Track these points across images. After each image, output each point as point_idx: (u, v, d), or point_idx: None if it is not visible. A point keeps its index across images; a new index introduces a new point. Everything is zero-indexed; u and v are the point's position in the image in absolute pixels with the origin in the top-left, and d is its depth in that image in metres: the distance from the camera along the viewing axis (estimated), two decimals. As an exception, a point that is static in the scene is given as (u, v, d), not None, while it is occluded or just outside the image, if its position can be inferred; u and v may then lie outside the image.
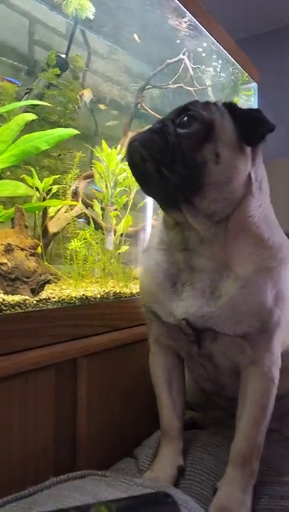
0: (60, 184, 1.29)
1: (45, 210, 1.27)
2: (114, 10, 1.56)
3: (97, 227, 1.44)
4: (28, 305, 0.89)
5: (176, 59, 1.73)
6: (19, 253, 0.94)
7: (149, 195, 0.81)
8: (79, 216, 1.37)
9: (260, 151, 0.79)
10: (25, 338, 0.84)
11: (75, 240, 1.21)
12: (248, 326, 0.75)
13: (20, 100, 1.33)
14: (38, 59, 1.53)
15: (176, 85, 1.74)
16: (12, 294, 0.91)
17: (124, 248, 1.41)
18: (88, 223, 1.43)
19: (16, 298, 0.89)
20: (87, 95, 1.49)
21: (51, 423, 0.86)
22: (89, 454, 0.93)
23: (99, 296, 1.09)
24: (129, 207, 1.43)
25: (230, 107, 0.76)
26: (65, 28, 1.63)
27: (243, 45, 2.02)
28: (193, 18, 1.58)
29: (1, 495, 0.67)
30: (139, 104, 1.67)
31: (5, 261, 0.91)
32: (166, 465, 0.84)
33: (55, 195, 1.27)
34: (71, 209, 1.35)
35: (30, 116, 1.13)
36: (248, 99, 2.16)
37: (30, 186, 1.18)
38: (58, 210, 1.33)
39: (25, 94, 1.38)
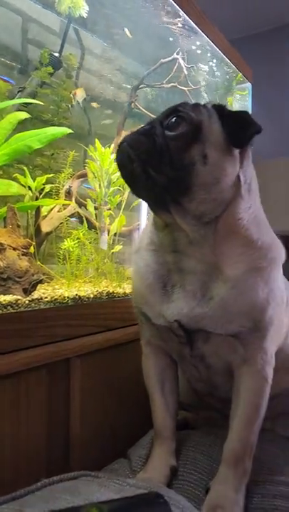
0: (53, 183, 1.29)
1: (37, 210, 1.26)
2: (107, 8, 1.56)
3: (91, 226, 1.44)
4: (20, 305, 0.88)
5: (170, 58, 1.73)
6: (11, 253, 0.94)
7: (138, 196, 0.81)
8: (71, 215, 1.36)
9: (248, 153, 0.79)
10: (18, 338, 0.83)
11: (68, 239, 1.21)
12: (239, 325, 0.76)
13: (13, 99, 1.32)
14: (31, 57, 1.52)
15: (170, 85, 1.74)
16: (4, 294, 0.90)
17: (118, 248, 1.41)
18: (81, 222, 1.43)
19: (8, 298, 0.88)
20: (80, 94, 1.49)
21: (44, 423, 0.86)
22: (82, 455, 0.93)
23: (92, 296, 1.08)
24: (123, 206, 1.43)
25: (220, 109, 0.76)
26: (58, 26, 1.62)
27: (239, 45, 2.02)
28: (188, 18, 1.58)
29: (-8, 496, 0.66)
30: (132, 104, 1.67)
31: (-3, 260, 0.90)
32: (159, 466, 0.84)
33: (48, 195, 1.26)
34: (64, 208, 1.35)
35: (23, 115, 1.13)
36: (242, 99, 2.16)
37: (23, 185, 1.18)
38: (51, 210, 1.32)
39: (18, 92, 1.37)
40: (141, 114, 1.69)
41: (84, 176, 1.46)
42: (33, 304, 0.92)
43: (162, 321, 0.80)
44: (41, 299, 0.95)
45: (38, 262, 1.14)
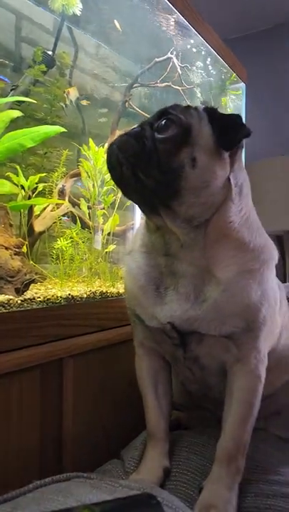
0: (46, 182, 1.28)
1: (30, 209, 1.25)
2: (101, 7, 1.55)
3: (84, 226, 1.43)
4: (12, 305, 0.88)
5: (164, 57, 1.73)
6: (3, 252, 0.93)
7: (128, 199, 0.81)
8: (64, 214, 1.36)
9: (239, 155, 0.78)
10: (9, 338, 0.83)
11: (62, 238, 1.20)
12: (233, 326, 0.76)
13: (5, 97, 1.31)
14: (25, 55, 1.51)
15: (164, 84, 1.74)
16: (-4, 294, 0.89)
17: (112, 247, 1.40)
18: (74, 222, 1.42)
19: (0, 298, 0.87)
20: (73, 93, 1.48)
21: (36, 424, 0.85)
22: (75, 456, 0.93)
23: (85, 295, 1.08)
24: (116, 206, 1.42)
25: (211, 112, 0.76)
26: (52, 24, 1.61)
27: (233, 45, 2.02)
28: (182, 17, 1.58)
29: (-17, 498, 0.65)
30: (126, 103, 1.67)
31: (-11, 260, 0.90)
32: (152, 467, 0.83)
33: (41, 194, 1.25)
34: (57, 208, 1.34)
35: (16, 113, 1.12)
36: (236, 99, 2.17)
37: (16, 184, 1.17)
38: (44, 209, 1.31)
39: (11, 90, 1.36)
40: (135, 113, 1.69)
41: (77, 175, 1.45)
42: (25, 304, 0.91)
43: (155, 322, 0.80)
44: (34, 298, 0.94)
45: (31, 262, 1.13)
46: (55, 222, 1.30)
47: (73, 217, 1.43)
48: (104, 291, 1.16)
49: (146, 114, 1.62)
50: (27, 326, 0.87)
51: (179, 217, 0.73)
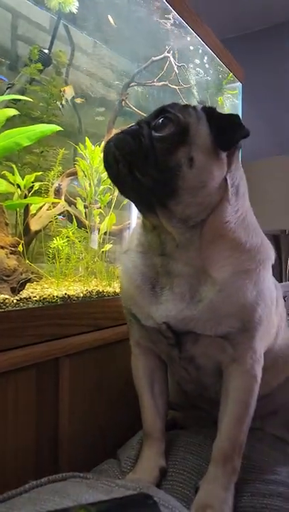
0: (42, 181, 1.27)
1: (26, 208, 1.24)
2: (98, 5, 1.55)
3: (81, 225, 1.42)
4: (8, 304, 0.87)
5: (160, 56, 1.72)
6: (-1, 251, 0.92)
7: (125, 197, 0.80)
8: (60, 214, 1.35)
9: (237, 156, 0.78)
10: (5, 337, 0.82)
11: (58, 238, 1.20)
12: (229, 326, 0.76)
13: (1, 95, 1.30)
14: (21, 54, 1.51)
15: (160, 83, 1.74)
16: (-8, 293, 0.89)
17: (108, 246, 1.40)
18: (71, 221, 1.42)
19: (-4, 297, 0.87)
20: (69, 92, 1.47)
21: (32, 424, 0.85)
22: (71, 456, 0.92)
23: (82, 295, 1.08)
24: (113, 205, 1.42)
25: (209, 111, 0.75)
26: (48, 23, 1.60)
27: (230, 44, 2.02)
28: (179, 17, 1.58)
29: (-22, 499, 0.65)
30: (123, 102, 1.66)
31: (-16, 259, 0.89)
32: (148, 467, 0.83)
33: (37, 193, 1.25)
34: (54, 207, 1.34)
35: (12, 112, 1.11)
36: (232, 98, 2.17)
37: (12, 183, 1.16)
38: (40, 208, 1.31)
39: (7, 89, 1.35)
40: (132, 112, 1.68)
41: (74, 174, 1.45)
42: (21, 303, 0.91)
43: (151, 322, 0.80)
44: (30, 298, 0.94)
45: (27, 261, 1.13)
46: (51, 222, 1.30)
47: (69, 217, 1.43)
48: (100, 290, 1.16)
49: (142, 113, 1.62)
50: (23, 325, 0.86)
51: (175, 216, 0.73)
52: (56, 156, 1.32)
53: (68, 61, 1.58)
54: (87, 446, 0.97)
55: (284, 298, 1.19)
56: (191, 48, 1.83)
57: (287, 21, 3.07)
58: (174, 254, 0.77)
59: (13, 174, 1.17)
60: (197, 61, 1.92)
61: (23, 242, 1.09)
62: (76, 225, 1.36)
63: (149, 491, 0.67)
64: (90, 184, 1.38)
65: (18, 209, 1.22)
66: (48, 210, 1.32)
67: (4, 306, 0.86)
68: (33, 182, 1.20)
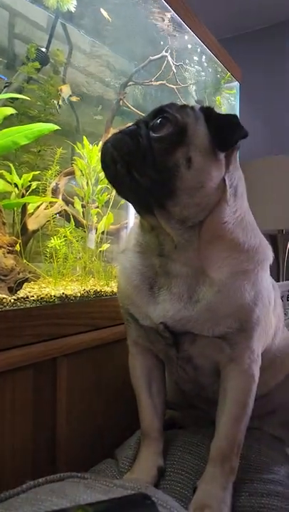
0: (39, 180, 1.27)
1: (24, 207, 1.24)
2: (96, 4, 1.54)
3: (78, 224, 1.42)
4: (5, 304, 0.87)
5: (158, 56, 1.72)
6: (-4, 250, 0.92)
7: (123, 198, 0.80)
8: (57, 213, 1.35)
9: (235, 156, 0.78)
10: (3, 337, 0.82)
11: (55, 237, 1.19)
12: (226, 327, 0.76)
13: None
14: (18, 52, 1.50)
15: (158, 82, 1.73)
16: (-11, 293, 0.88)
17: (106, 246, 1.40)
18: (68, 220, 1.41)
19: (-7, 296, 0.86)
20: (66, 91, 1.47)
21: (30, 424, 0.84)
22: (69, 456, 0.92)
23: (79, 294, 1.07)
24: (111, 204, 1.41)
25: (207, 112, 0.75)
26: (46, 21, 1.60)
27: (228, 44, 2.02)
28: (177, 16, 1.58)
29: (-25, 499, 0.65)
30: (121, 101, 1.66)
31: (-19, 258, 0.89)
32: (146, 466, 0.83)
33: (35, 192, 1.24)
34: (51, 206, 1.33)
35: (9, 111, 1.10)
36: (230, 97, 2.17)
37: (9, 182, 1.16)
38: (38, 207, 1.30)
39: (4, 87, 1.35)
40: (129, 111, 1.68)
41: (71, 173, 1.44)
42: (18, 303, 0.90)
43: (149, 322, 0.80)
44: (27, 297, 0.93)
45: (24, 261, 1.12)
46: (48, 221, 1.29)
47: (67, 216, 1.42)
48: (98, 290, 1.15)
49: (140, 113, 1.62)
50: (20, 325, 0.86)
51: (174, 217, 0.73)
52: (54, 155, 1.32)
53: (66, 60, 1.57)
54: (85, 446, 0.97)
55: (281, 298, 1.19)
56: (189, 46, 1.82)
57: (284, 21, 3.07)
58: (172, 255, 0.77)
59: (11, 173, 1.16)
60: (195, 60, 1.92)
61: (20, 241, 1.09)
62: (74, 224, 1.35)
63: (147, 491, 0.67)
64: (87, 183, 1.38)
65: (15, 208, 1.21)
66: (45, 209, 1.32)
67: (1, 306, 0.86)
68: (30, 181, 1.20)
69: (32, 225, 1.27)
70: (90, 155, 1.36)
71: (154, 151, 0.70)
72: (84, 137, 1.37)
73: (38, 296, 0.96)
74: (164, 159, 0.70)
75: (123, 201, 1.54)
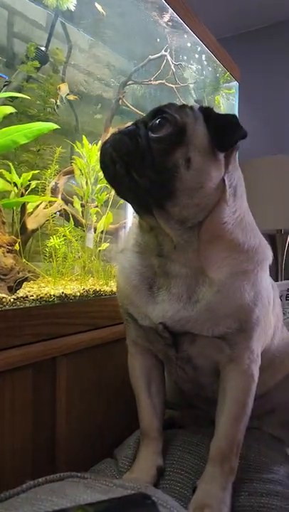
0: (39, 180, 1.26)
1: (23, 206, 1.24)
2: (95, 3, 1.54)
3: (77, 224, 1.42)
4: (5, 303, 0.87)
5: (157, 55, 1.72)
6: (-4, 250, 0.92)
7: (122, 198, 0.80)
8: (56, 212, 1.35)
9: (234, 156, 0.78)
10: (2, 337, 0.82)
11: (55, 236, 1.19)
12: (226, 327, 0.76)
13: (-1, 93, 1.29)
14: (17, 51, 1.50)
15: (157, 82, 1.73)
16: (-12, 292, 0.88)
17: (105, 246, 1.40)
18: (67, 219, 1.41)
19: (-7, 296, 0.86)
20: (64, 89, 1.46)
21: (29, 424, 0.84)
22: (69, 456, 0.92)
23: (78, 294, 1.07)
24: (110, 204, 1.41)
25: (206, 112, 0.75)
26: (45, 20, 1.59)
27: (227, 43, 2.02)
28: (176, 15, 1.57)
29: (-25, 499, 0.64)
30: (120, 100, 1.66)
31: (-19, 258, 0.88)
32: (145, 466, 0.83)
33: (34, 191, 1.24)
34: (50, 205, 1.33)
35: (8, 110, 1.10)
36: (229, 97, 2.17)
37: (8, 181, 1.15)
38: (37, 207, 1.30)
39: (4, 86, 1.34)
40: (129, 110, 1.68)
41: (70, 172, 1.44)
42: (18, 302, 0.90)
43: (148, 322, 0.80)
44: (27, 297, 0.93)
45: (24, 260, 1.12)
46: (48, 220, 1.29)
47: (66, 215, 1.42)
48: (97, 289, 1.15)
49: (139, 112, 1.62)
50: (20, 324, 0.86)
51: (173, 218, 0.73)
52: (53, 154, 1.32)
53: (65, 59, 1.57)
54: (85, 446, 0.97)
55: (280, 297, 1.19)
56: (188, 44, 1.82)
57: (283, 21, 3.07)
58: (171, 256, 0.76)
59: (10, 172, 1.16)
60: (194, 60, 1.92)
61: (19, 240, 1.09)
62: (73, 223, 1.35)
63: (147, 491, 0.67)
64: (86, 183, 1.38)
65: (14, 207, 1.21)
66: (44, 208, 1.31)
67: (1, 305, 0.86)
68: (29, 180, 1.20)
69: (31, 224, 1.27)
70: (89, 154, 1.36)
71: (153, 151, 0.70)
72: (83, 136, 1.37)
73: (37, 296, 0.95)
74: (163, 160, 0.69)
75: (122, 201, 1.53)
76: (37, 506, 0.58)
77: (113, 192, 1.38)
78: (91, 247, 1.39)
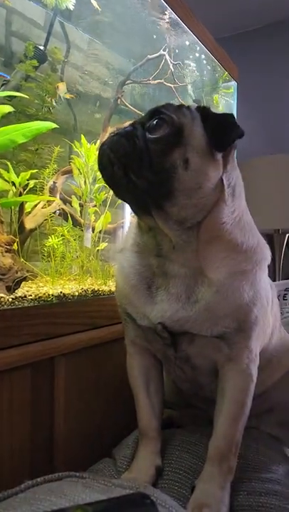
0: (37, 179, 1.26)
1: (21, 206, 1.23)
2: (94, 2, 1.54)
3: (76, 223, 1.42)
4: (3, 303, 0.87)
5: (156, 55, 1.72)
6: (-6, 249, 0.91)
7: (120, 199, 0.80)
8: (55, 212, 1.35)
9: (232, 156, 0.78)
10: (0, 336, 0.82)
11: (53, 236, 1.19)
12: (224, 327, 0.76)
13: (-3, 92, 1.29)
14: (16, 50, 1.49)
15: (156, 81, 1.73)
16: (-14, 292, 0.88)
17: (103, 245, 1.40)
18: (66, 219, 1.41)
19: (-9, 296, 0.86)
20: (62, 89, 1.46)
21: (27, 424, 0.84)
22: (67, 455, 0.92)
23: (77, 293, 1.07)
24: (108, 203, 1.41)
25: (203, 111, 0.75)
26: (43, 19, 1.59)
27: (225, 43, 2.02)
28: (174, 15, 1.57)
29: (-27, 500, 0.64)
30: (119, 100, 1.65)
31: (-21, 257, 0.88)
32: (144, 466, 0.83)
33: (32, 191, 1.24)
34: (49, 205, 1.33)
35: (7, 109, 1.10)
36: (227, 97, 2.17)
37: (6, 181, 1.15)
38: (35, 206, 1.30)
39: (2, 85, 1.34)
40: (127, 110, 1.68)
41: (69, 172, 1.44)
42: (16, 302, 0.90)
43: (147, 322, 0.80)
44: (25, 296, 0.93)
45: (22, 259, 1.12)
46: (46, 220, 1.29)
47: (65, 215, 1.42)
48: (96, 289, 1.15)
49: (138, 111, 1.62)
50: (18, 324, 0.85)
51: (171, 218, 0.73)
52: (51, 153, 1.31)
53: (64, 58, 1.57)
54: (83, 446, 0.97)
55: (278, 297, 1.20)
56: (187, 43, 1.82)
57: (282, 20, 3.08)
58: (170, 256, 0.76)
59: (8, 171, 1.16)
60: (192, 59, 1.92)
61: (18, 240, 1.09)
62: (71, 223, 1.35)
63: (145, 490, 0.67)
64: (85, 182, 1.38)
65: (12, 207, 1.21)
66: (43, 208, 1.31)
67: (-1, 305, 0.86)
68: (28, 180, 1.19)
69: (29, 223, 1.27)
70: (87, 153, 1.35)
71: (150, 152, 0.70)
72: (82, 136, 1.37)
73: (35, 295, 0.95)
74: (161, 160, 0.69)
75: (120, 201, 1.54)
76: (35, 506, 0.58)
77: (112, 191, 1.38)
78: (89, 247, 1.39)
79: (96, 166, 1.35)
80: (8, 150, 1.19)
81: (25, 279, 0.97)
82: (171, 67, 1.75)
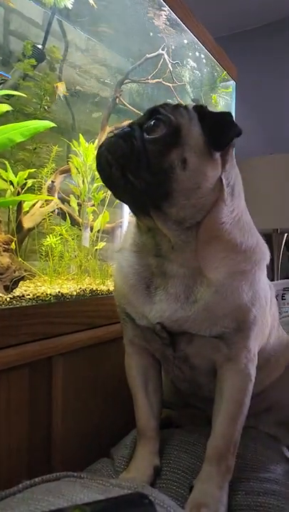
0: (35, 178, 1.26)
1: (19, 205, 1.23)
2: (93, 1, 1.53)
3: (74, 223, 1.42)
4: (0, 302, 0.86)
5: (155, 54, 1.71)
6: (-8, 249, 0.91)
7: (119, 200, 0.80)
8: (53, 211, 1.34)
9: (231, 155, 0.77)
10: (-2, 336, 0.81)
11: (51, 235, 1.19)
12: (223, 327, 0.76)
13: (-4, 91, 1.28)
14: (14, 49, 1.49)
15: (154, 80, 1.73)
16: (-16, 291, 0.88)
17: (101, 245, 1.39)
18: (64, 218, 1.41)
19: (-11, 295, 0.86)
20: (61, 88, 1.46)
21: (25, 423, 0.84)
22: (65, 455, 0.92)
23: (75, 293, 1.07)
24: (106, 203, 1.41)
25: (201, 111, 0.74)
26: (41, 18, 1.59)
27: (224, 43, 2.02)
28: (173, 14, 1.57)
29: (-29, 500, 0.64)
30: (117, 99, 1.65)
31: (-23, 257, 0.88)
32: (142, 466, 0.83)
33: (30, 190, 1.23)
34: (47, 204, 1.32)
35: (5, 108, 1.09)
36: (226, 96, 2.17)
37: (4, 180, 1.15)
38: (33, 205, 1.29)
39: (0, 84, 1.34)
40: (126, 109, 1.67)
41: (67, 171, 1.44)
42: (14, 302, 0.90)
43: (145, 322, 0.80)
44: (23, 296, 0.93)
45: (20, 259, 1.12)
46: (44, 219, 1.28)
47: (63, 214, 1.42)
48: (94, 288, 1.15)
49: (136, 111, 1.61)
50: (16, 323, 0.85)
51: (170, 218, 0.72)
52: (49, 152, 1.31)
53: (62, 57, 1.56)
54: (81, 445, 0.96)
55: (276, 297, 1.20)
56: (186, 42, 1.82)
57: (280, 20, 3.08)
58: (169, 256, 0.76)
59: (6, 171, 1.15)
60: (191, 59, 1.92)
61: (16, 239, 1.08)
62: (69, 222, 1.35)
63: (144, 490, 0.66)
64: (83, 181, 1.37)
65: (10, 206, 1.20)
66: (41, 207, 1.31)
67: (-3, 305, 0.85)
68: (26, 179, 1.19)
69: (27, 223, 1.26)
70: (86, 153, 1.35)
71: (148, 153, 0.69)
72: (80, 135, 1.37)
73: (33, 295, 0.95)
74: (159, 161, 0.69)
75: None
76: (33, 506, 0.58)
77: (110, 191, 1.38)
78: (88, 246, 1.39)
79: (94, 166, 1.36)
80: (6, 149, 1.19)
81: (23, 278, 0.97)
82: (169, 66, 1.75)
